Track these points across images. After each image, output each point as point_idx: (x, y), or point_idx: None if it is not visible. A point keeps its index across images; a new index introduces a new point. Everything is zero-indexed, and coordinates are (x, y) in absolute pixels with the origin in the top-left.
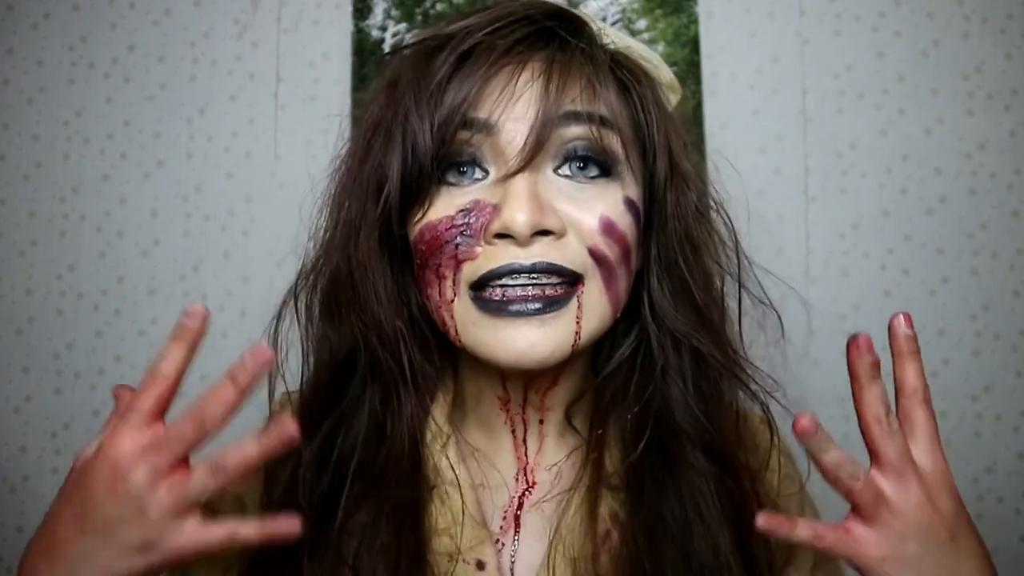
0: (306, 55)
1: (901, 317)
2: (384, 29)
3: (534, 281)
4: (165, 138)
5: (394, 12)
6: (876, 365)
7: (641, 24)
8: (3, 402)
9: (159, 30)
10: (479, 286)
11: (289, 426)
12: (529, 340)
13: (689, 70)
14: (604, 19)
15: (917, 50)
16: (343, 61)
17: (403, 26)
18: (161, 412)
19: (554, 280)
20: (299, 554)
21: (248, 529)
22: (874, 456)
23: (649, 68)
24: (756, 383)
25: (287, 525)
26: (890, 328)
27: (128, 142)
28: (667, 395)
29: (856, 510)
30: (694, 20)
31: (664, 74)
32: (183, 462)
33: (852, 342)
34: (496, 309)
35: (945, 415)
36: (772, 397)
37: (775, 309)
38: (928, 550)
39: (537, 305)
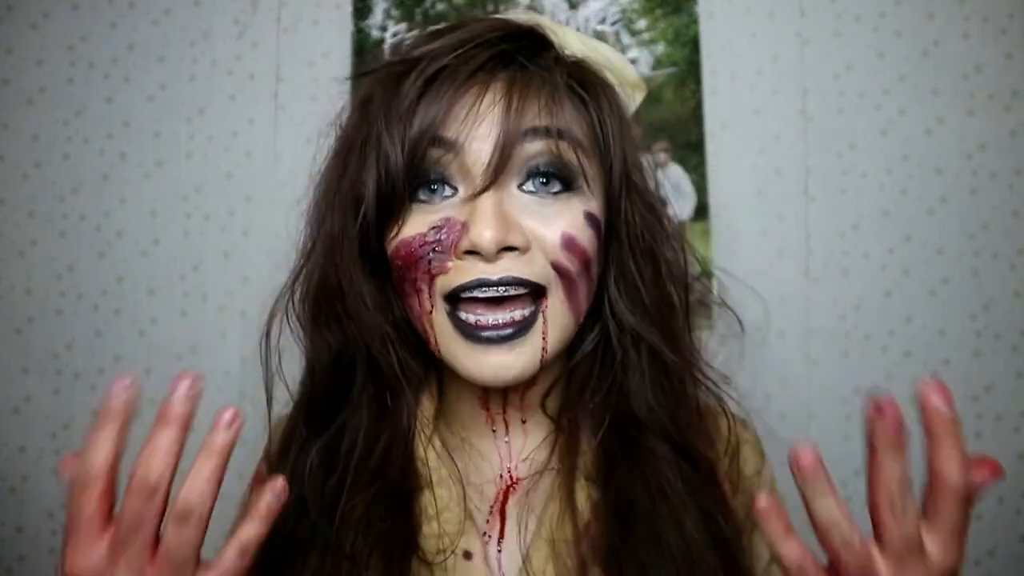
0: (306, 55)
1: (934, 387)
2: (384, 29)
3: (502, 294)
4: (165, 138)
5: (394, 12)
6: (902, 440)
7: (641, 24)
8: (3, 402)
9: (159, 30)
10: (453, 299)
11: (226, 412)
12: (501, 363)
13: (689, 70)
14: (603, 20)
15: (918, 50)
16: (343, 61)
17: (403, 26)
18: (108, 514)
19: (520, 291)
20: (303, 547)
21: (249, 529)
22: (877, 532)
23: (612, 72)
24: (711, 380)
25: (274, 493)
26: (920, 400)
27: (128, 142)
28: (626, 387)
29: (835, 570)
30: (694, 20)
31: (629, 73)
32: (158, 538)
33: (876, 406)
34: (470, 335)
35: None
36: (728, 394)
37: (730, 307)
38: None
39: (508, 331)
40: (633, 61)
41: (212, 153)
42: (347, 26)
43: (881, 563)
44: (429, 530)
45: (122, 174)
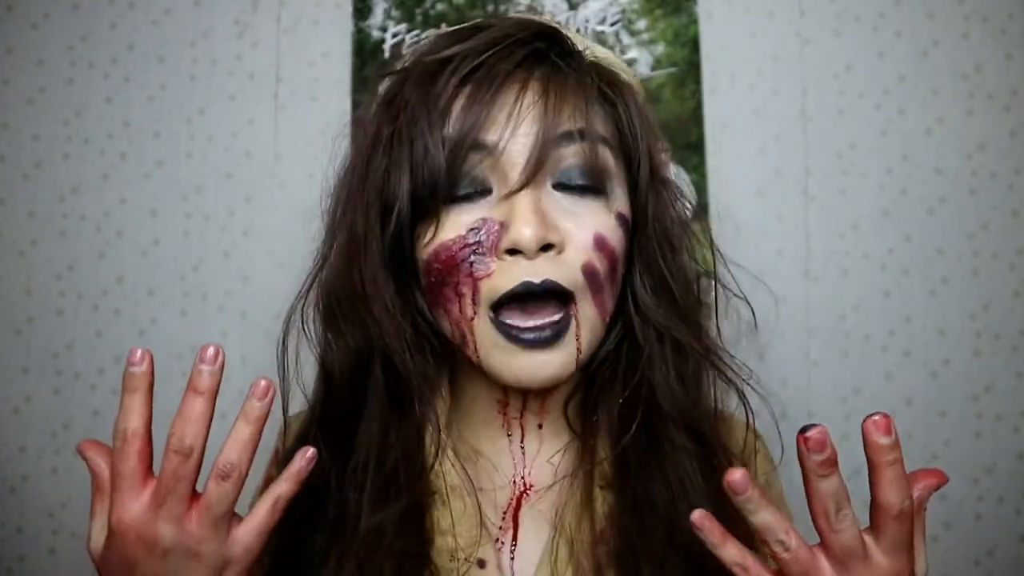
0: (306, 55)
1: (877, 421)
2: (384, 29)
3: (540, 302)
4: (165, 138)
5: (394, 12)
6: (827, 463)
7: (641, 24)
8: (3, 402)
9: (159, 30)
10: (498, 306)
11: (261, 381)
12: (542, 364)
13: (689, 70)
14: (603, 20)
15: (917, 50)
16: (343, 61)
17: (403, 26)
18: (148, 468)
19: (553, 301)
20: (315, 556)
21: (282, 486)
22: (821, 540)
23: (626, 78)
24: (732, 370)
25: (305, 458)
26: (863, 431)
27: (128, 142)
28: (652, 381)
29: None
30: (694, 20)
31: (633, 79)
32: (194, 494)
33: (802, 437)
34: (514, 338)
35: (945, 415)
36: (747, 383)
37: (747, 300)
38: None
39: (547, 333)
40: (633, 61)
41: (212, 153)
42: (347, 26)
43: (826, 565)
44: (443, 543)
45: (122, 174)
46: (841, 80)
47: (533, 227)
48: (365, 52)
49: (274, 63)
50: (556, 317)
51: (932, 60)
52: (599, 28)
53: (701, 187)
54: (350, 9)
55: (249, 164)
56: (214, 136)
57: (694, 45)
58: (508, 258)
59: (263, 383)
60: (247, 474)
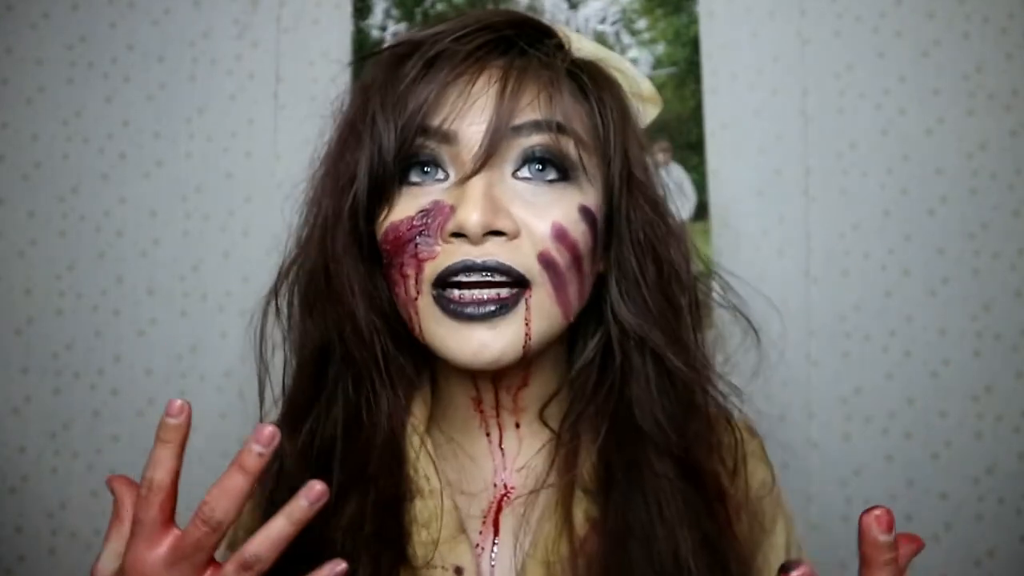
0: (306, 55)
1: (879, 516)
2: (384, 29)
3: (486, 279)
4: (165, 138)
5: (394, 12)
6: (891, 546)
7: (641, 24)
8: (2, 402)
9: (158, 30)
10: (439, 283)
11: (316, 485)
12: (481, 341)
13: (689, 70)
14: (604, 19)
15: (918, 50)
16: (343, 61)
17: (403, 26)
18: (169, 518)
19: (502, 279)
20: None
21: (281, 526)
22: None
23: (625, 78)
24: (717, 386)
25: (308, 499)
26: (861, 525)
27: (127, 142)
28: (628, 396)
29: None
30: (694, 20)
31: (645, 87)
32: (210, 559)
33: (868, 516)
34: (453, 311)
35: (946, 416)
36: (733, 403)
37: (743, 314)
38: None
39: (490, 308)
40: (633, 61)
41: (212, 153)
42: (347, 26)
43: None
44: (419, 539)
45: (122, 174)
46: (841, 80)
47: (480, 211)
48: (365, 52)
49: (274, 63)
50: (502, 295)
51: (933, 60)
52: (599, 28)
53: (701, 187)
54: (350, 9)
55: (249, 164)
56: (214, 136)
57: (694, 45)
58: (454, 241)
59: (271, 431)
60: (272, 564)
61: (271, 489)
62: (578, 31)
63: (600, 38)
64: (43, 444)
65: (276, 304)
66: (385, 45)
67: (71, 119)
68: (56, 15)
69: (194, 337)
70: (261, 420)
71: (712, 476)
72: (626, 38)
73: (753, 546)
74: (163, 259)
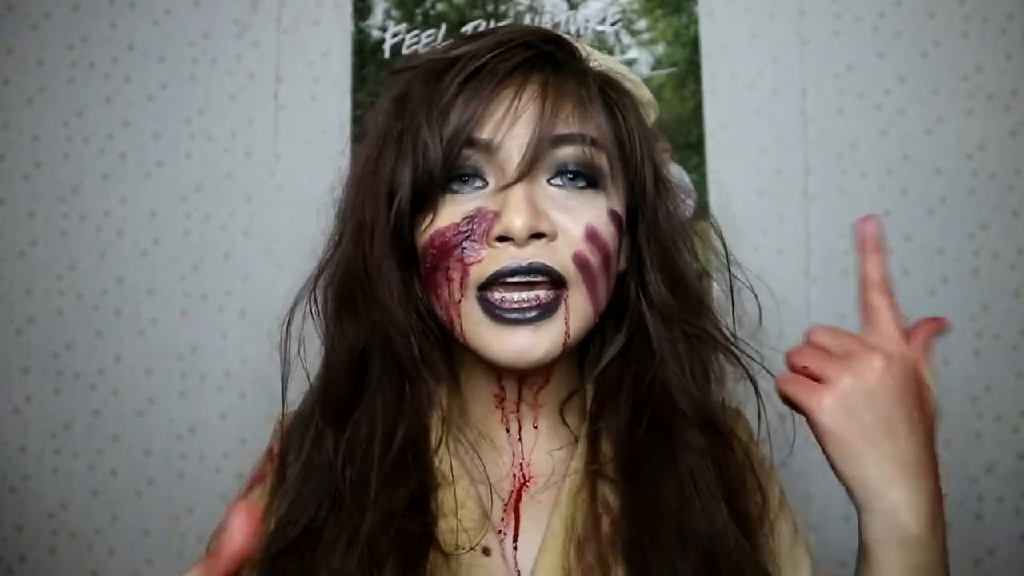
0: (306, 55)
1: (872, 220)
2: (384, 29)
3: (528, 280)
4: (165, 138)
5: (394, 12)
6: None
7: (641, 24)
8: (3, 402)
9: (159, 30)
10: (485, 287)
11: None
12: (526, 343)
13: (689, 70)
14: (603, 20)
15: (917, 50)
16: (343, 61)
17: (403, 26)
18: None
19: (542, 279)
20: (321, 536)
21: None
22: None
23: (630, 87)
24: (748, 356)
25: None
26: (858, 230)
27: (128, 142)
28: (666, 381)
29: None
30: (694, 20)
31: (644, 93)
32: None
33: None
34: (497, 316)
35: (945, 415)
36: (765, 369)
37: (755, 293)
38: (878, 416)
39: (533, 314)
40: (633, 61)
41: (212, 153)
42: (347, 26)
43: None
44: (446, 525)
45: (122, 174)
46: (841, 80)
47: (524, 216)
48: (365, 52)
49: (274, 63)
50: (544, 298)
51: (932, 60)
52: (599, 28)
53: (701, 187)
54: (350, 9)
55: (249, 164)
56: (214, 136)
57: (694, 45)
58: (499, 245)
59: (246, 509)
60: None
61: (288, 477)
62: (578, 31)
63: (600, 38)
64: (43, 444)
65: (309, 307)
66: (409, 58)
67: (72, 119)
68: (57, 15)
69: (194, 337)
70: (283, 415)
71: (738, 440)
72: (626, 38)
73: (775, 510)
74: (163, 259)
